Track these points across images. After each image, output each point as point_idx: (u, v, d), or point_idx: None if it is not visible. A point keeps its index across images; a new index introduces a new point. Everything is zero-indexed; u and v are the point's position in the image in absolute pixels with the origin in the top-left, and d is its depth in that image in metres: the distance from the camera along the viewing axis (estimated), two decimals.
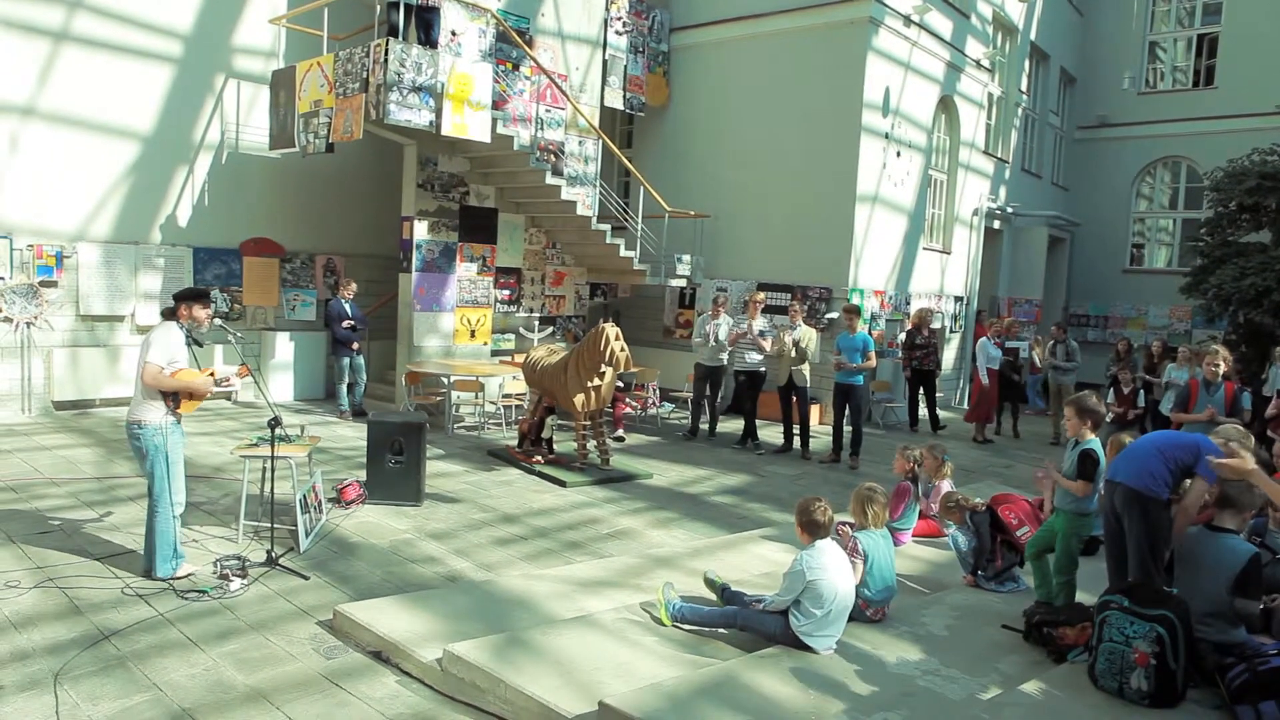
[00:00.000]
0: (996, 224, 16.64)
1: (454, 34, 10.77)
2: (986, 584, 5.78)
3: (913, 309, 14.17)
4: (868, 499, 5.15)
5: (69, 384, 10.13)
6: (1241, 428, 5.35)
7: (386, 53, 9.37)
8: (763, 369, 10.67)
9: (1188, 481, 4.63)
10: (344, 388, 10.95)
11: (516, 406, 11.10)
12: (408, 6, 10.07)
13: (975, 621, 5.15)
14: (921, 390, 12.75)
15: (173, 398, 5.29)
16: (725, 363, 10.93)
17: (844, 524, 5.70)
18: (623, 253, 12.31)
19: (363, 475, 7.46)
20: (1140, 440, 5.01)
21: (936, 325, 13.68)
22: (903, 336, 13.36)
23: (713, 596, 5.14)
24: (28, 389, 9.95)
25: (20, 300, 9.81)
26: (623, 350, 8.36)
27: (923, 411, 12.84)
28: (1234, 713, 3.87)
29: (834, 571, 4.50)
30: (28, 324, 9.89)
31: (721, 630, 4.82)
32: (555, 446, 9.32)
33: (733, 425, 11.41)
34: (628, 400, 11.51)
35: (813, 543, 4.58)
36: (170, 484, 5.32)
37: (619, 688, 3.97)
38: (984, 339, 12.47)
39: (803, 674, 4.23)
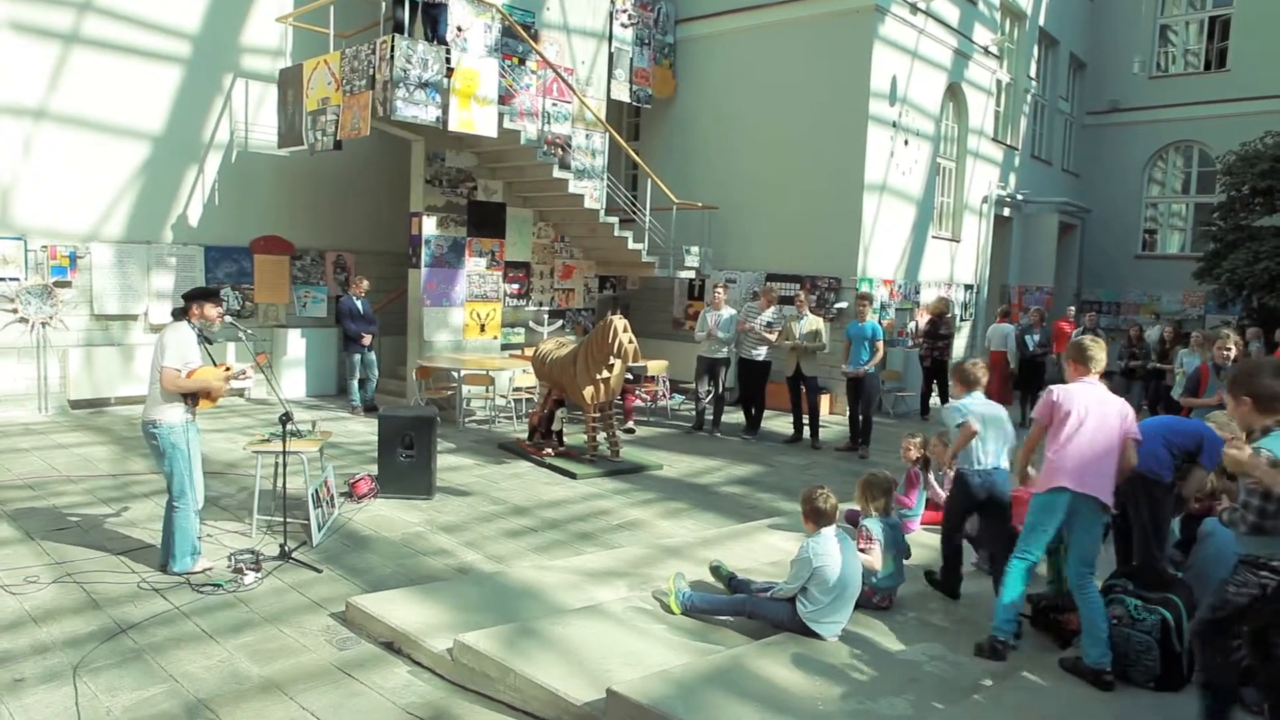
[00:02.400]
0: (1006, 211, 16.57)
1: (459, 29, 10.81)
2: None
3: (923, 298, 14.16)
4: (869, 485, 5.18)
5: (84, 383, 10.25)
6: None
7: (392, 49, 9.42)
8: (765, 360, 10.64)
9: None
10: (355, 383, 11.03)
11: (526, 400, 11.15)
12: (413, 3, 10.10)
13: (981, 608, 5.15)
14: (935, 380, 12.75)
15: (190, 397, 5.36)
16: (727, 355, 10.91)
17: (852, 510, 5.73)
18: (631, 245, 12.34)
19: (374, 469, 7.52)
20: (1144, 424, 5.01)
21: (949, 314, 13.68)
22: (913, 325, 13.33)
23: (720, 585, 5.19)
24: (44, 388, 10.08)
25: (35, 301, 9.94)
26: (631, 342, 8.40)
27: (934, 400, 12.83)
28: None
29: (839, 558, 4.53)
30: (43, 324, 10.02)
31: (730, 618, 4.86)
32: (565, 439, 9.37)
33: (739, 417, 11.41)
34: (637, 392, 11.55)
35: (818, 530, 4.62)
36: (189, 481, 5.40)
37: (627, 676, 4.01)
38: (1000, 324, 12.85)
39: (809, 660, 4.26)
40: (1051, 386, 4.46)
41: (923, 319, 13.85)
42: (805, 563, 4.53)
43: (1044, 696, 3.99)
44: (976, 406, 5.20)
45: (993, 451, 5.11)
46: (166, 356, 5.24)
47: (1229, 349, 7.77)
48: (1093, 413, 4.28)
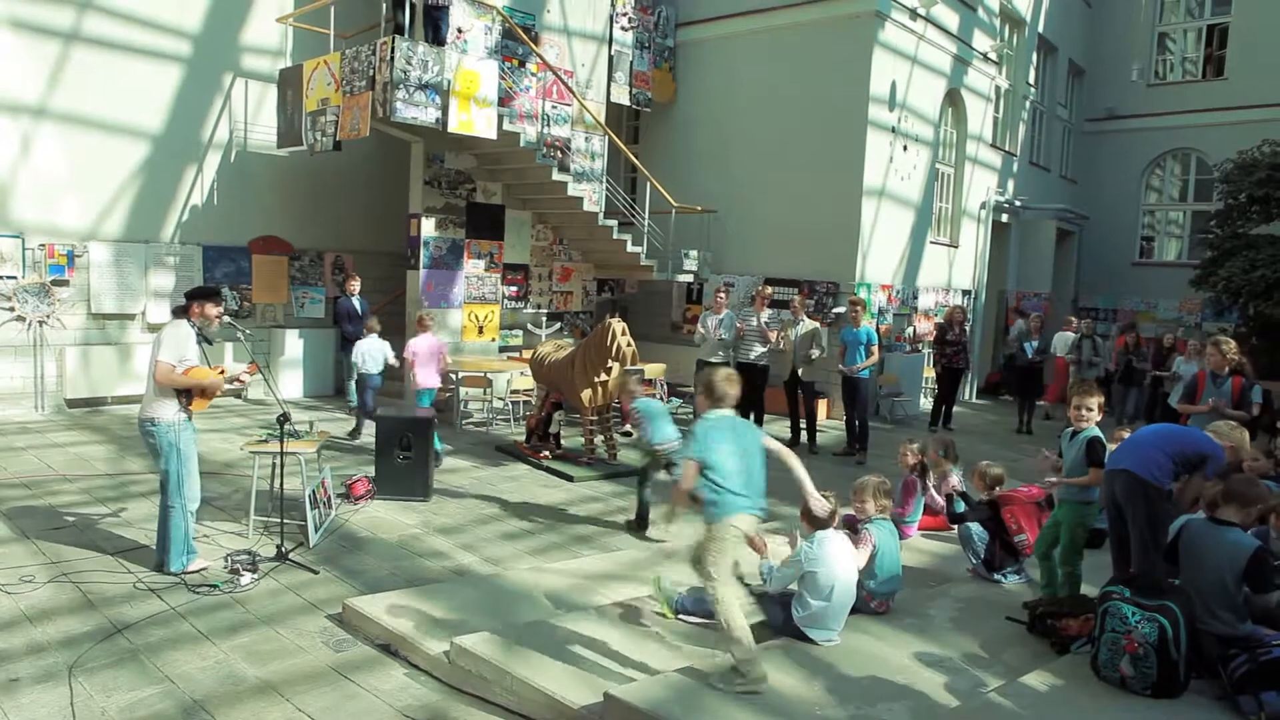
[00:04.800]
0: (1004, 217, 16.59)
1: (460, 31, 10.82)
2: (989, 573, 5.80)
3: (920, 304, 14.19)
4: (860, 488, 5.18)
5: (81, 382, 10.22)
6: (1233, 420, 5.39)
7: (393, 50, 9.42)
8: (764, 363, 10.61)
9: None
10: (353, 384, 10.97)
11: (524, 402, 11.14)
12: (413, 4, 10.10)
13: (979, 613, 5.17)
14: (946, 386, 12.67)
15: (185, 395, 5.34)
16: (728, 359, 10.87)
17: (849, 516, 5.72)
18: (629, 248, 12.34)
19: (371, 471, 7.51)
20: (1141, 431, 5.02)
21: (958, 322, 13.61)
22: (910, 330, 13.31)
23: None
24: (40, 387, 10.05)
25: (33, 299, 9.91)
26: (629, 346, 8.39)
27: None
28: (1236, 703, 3.88)
29: (834, 563, 4.53)
30: (40, 322, 9.99)
31: None
32: (562, 441, 9.37)
33: None
34: None
35: (813, 533, 4.62)
36: (184, 480, 5.38)
37: (625, 679, 4.01)
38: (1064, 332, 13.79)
39: (807, 665, 4.26)
40: None
41: (921, 324, 13.87)
42: (796, 564, 4.56)
43: (1042, 703, 3.98)
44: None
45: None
46: (162, 351, 5.23)
47: (1217, 354, 7.77)
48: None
